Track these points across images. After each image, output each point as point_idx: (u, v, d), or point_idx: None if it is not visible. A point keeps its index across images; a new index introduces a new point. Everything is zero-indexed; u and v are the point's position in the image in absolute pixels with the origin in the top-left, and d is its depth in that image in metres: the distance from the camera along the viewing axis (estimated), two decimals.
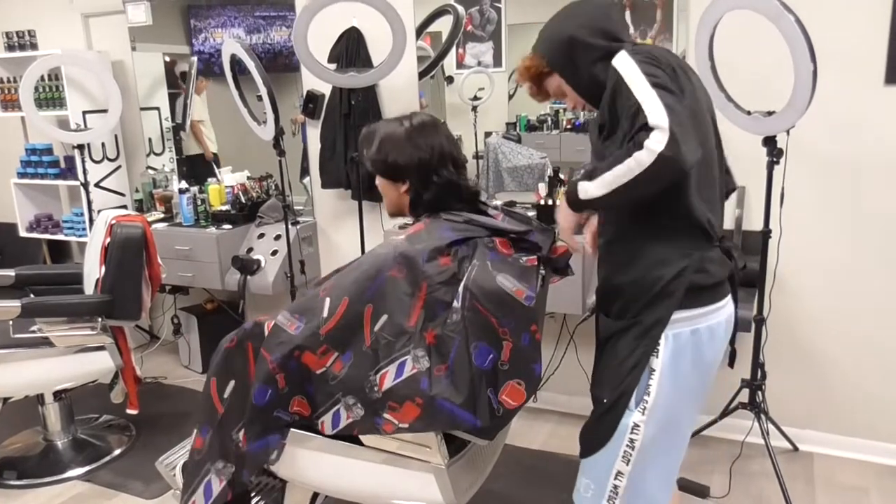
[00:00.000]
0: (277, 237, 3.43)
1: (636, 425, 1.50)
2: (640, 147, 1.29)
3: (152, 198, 3.92)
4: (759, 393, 2.47)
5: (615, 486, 1.54)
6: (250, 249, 3.45)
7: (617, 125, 1.42)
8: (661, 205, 1.44)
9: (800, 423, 2.75)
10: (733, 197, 2.67)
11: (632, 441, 1.50)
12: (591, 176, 1.40)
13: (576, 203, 1.45)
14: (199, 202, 3.61)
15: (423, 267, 1.57)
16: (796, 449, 2.74)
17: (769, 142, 2.29)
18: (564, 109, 3.10)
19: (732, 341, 1.62)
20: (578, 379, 2.98)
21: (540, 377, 1.56)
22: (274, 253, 3.40)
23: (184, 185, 3.64)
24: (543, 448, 2.87)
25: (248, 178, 3.78)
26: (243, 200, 3.62)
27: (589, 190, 1.40)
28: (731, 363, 1.69)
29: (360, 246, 3.20)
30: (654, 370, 1.49)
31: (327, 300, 1.63)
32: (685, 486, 2.53)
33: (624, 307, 1.55)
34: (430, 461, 1.62)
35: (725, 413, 2.57)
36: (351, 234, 3.41)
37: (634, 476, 1.52)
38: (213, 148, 4.03)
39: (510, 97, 3.21)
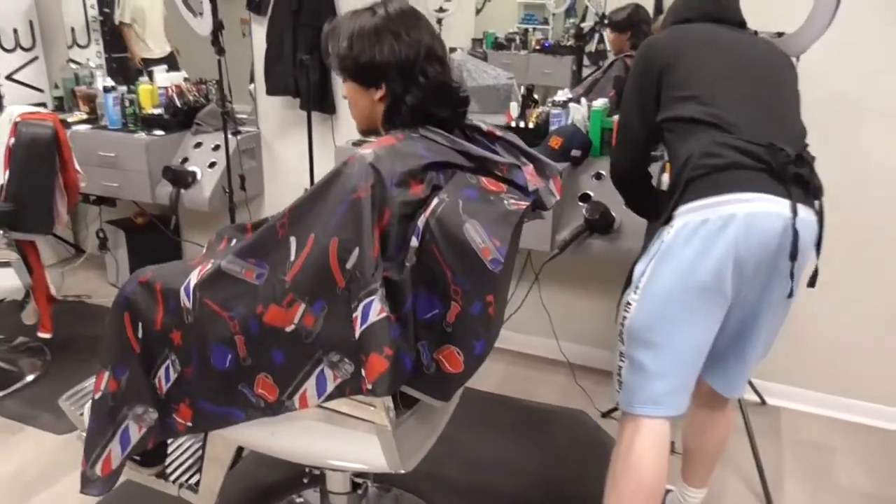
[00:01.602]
0: (216, 147, 3.09)
1: (628, 303, 1.52)
2: None
3: (74, 96, 3.48)
4: None
5: (619, 367, 1.57)
6: (185, 160, 3.11)
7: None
8: (665, 126, 1.58)
9: (767, 375, 2.61)
10: None
11: (624, 318, 1.53)
12: None
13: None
14: (127, 103, 3.21)
15: (390, 190, 1.27)
16: (764, 402, 2.62)
17: None
18: (534, 28, 2.89)
19: (794, 254, 1.41)
20: (540, 320, 2.79)
21: (481, 358, 1.31)
22: (212, 165, 3.07)
23: (109, 82, 3.22)
24: (496, 391, 2.69)
25: (186, 79, 3.37)
26: (178, 104, 3.24)
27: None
28: (812, 283, 1.51)
29: (309, 162, 2.87)
30: (655, 254, 1.48)
31: (292, 240, 1.32)
32: None
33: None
34: (373, 421, 1.38)
35: None
36: (298, 149, 3.07)
37: (631, 358, 1.53)
38: (155, 52, 3.56)
39: (478, 11, 2.91)
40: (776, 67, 1.61)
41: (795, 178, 1.41)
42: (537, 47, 2.89)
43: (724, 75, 1.55)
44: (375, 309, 1.23)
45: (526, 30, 2.91)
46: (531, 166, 1.47)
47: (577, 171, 2.50)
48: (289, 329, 1.32)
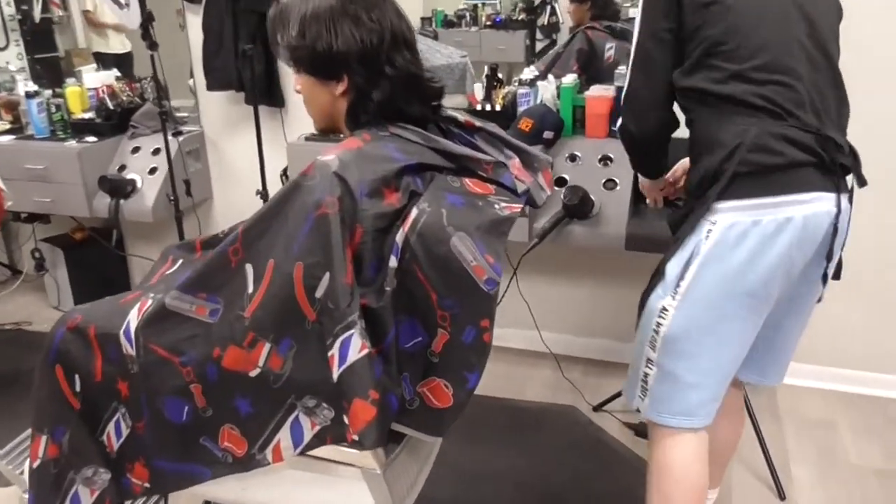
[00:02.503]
0: (156, 151, 2.83)
1: (664, 309, 1.34)
2: None
3: None
4: None
5: (645, 374, 1.41)
6: (123, 167, 2.85)
7: None
8: (694, 95, 1.35)
9: None
10: None
11: (658, 325, 1.35)
12: None
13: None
14: (53, 109, 2.93)
15: (360, 202, 1.08)
16: None
17: None
18: (483, 3, 2.78)
19: (830, 253, 1.32)
20: (518, 311, 2.63)
21: (472, 391, 1.14)
22: (153, 171, 2.82)
23: (32, 86, 2.92)
24: (480, 392, 2.46)
25: (118, 78, 3.08)
26: (111, 106, 2.97)
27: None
28: (837, 275, 1.39)
29: (259, 161, 2.65)
30: (695, 255, 1.30)
31: (248, 268, 1.13)
32: (645, 431, 2.25)
33: (688, 195, 1.41)
34: (359, 465, 1.20)
35: None
36: (247, 147, 2.83)
37: (663, 367, 1.37)
38: (114, 47, 3.25)
39: None
40: (830, 10, 1.38)
41: (841, 167, 1.28)
42: (488, 23, 2.79)
43: (778, 28, 1.29)
44: (355, 345, 1.05)
45: (475, 5, 2.79)
46: (517, 159, 1.30)
47: (551, 154, 2.33)
48: (253, 373, 1.13)
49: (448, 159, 1.21)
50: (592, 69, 2.57)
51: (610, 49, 2.61)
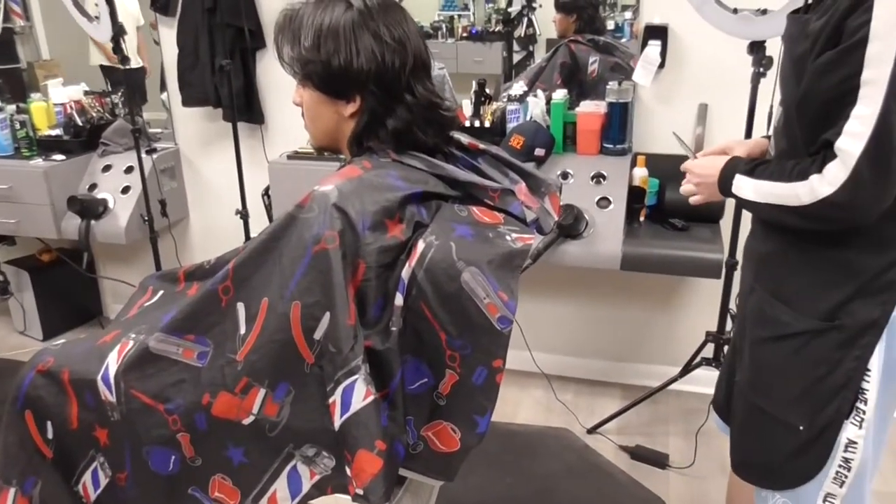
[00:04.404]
0: (129, 170, 2.72)
1: (852, 442, 1.13)
2: (805, 176, 1.01)
3: None
4: (727, 348, 2.14)
5: None
6: (93, 186, 2.73)
7: (832, 45, 0.98)
8: None
9: None
10: (694, 112, 2.29)
11: (846, 461, 1.15)
12: (752, 171, 1.12)
13: (726, 190, 1.16)
14: (18, 125, 2.80)
15: (363, 236, 1.00)
16: None
17: (757, 48, 1.86)
18: (459, 16, 2.72)
19: None
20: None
21: (483, 436, 1.07)
22: (125, 190, 2.70)
23: None
24: None
25: (86, 92, 2.96)
26: (80, 122, 2.85)
27: (743, 187, 1.13)
28: None
29: (238, 179, 2.55)
30: (869, 372, 1.10)
31: (240, 307, 1.04)
32: (642, 455, 2.21)
33: (811, 298, 1.13)
34: None
35: (687, 370, 2.23)
36: (225, 165, 2.73)
37: (851, 497, 1.18)
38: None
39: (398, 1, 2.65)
40: None
41: None
42: (465, 34, 2.72)
43: None
44: (359, 392, 0.97)
45: (452, 17, 2.73)
46: (523, 184, 1.23)
47: (542, 171, 2.27)
48: (247, 422, 1.04)
49: (453, 186, 1.14)
50: (576, 83, 2.54)
51: (594, 63, 2.57)
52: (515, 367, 2.66)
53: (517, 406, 2.52)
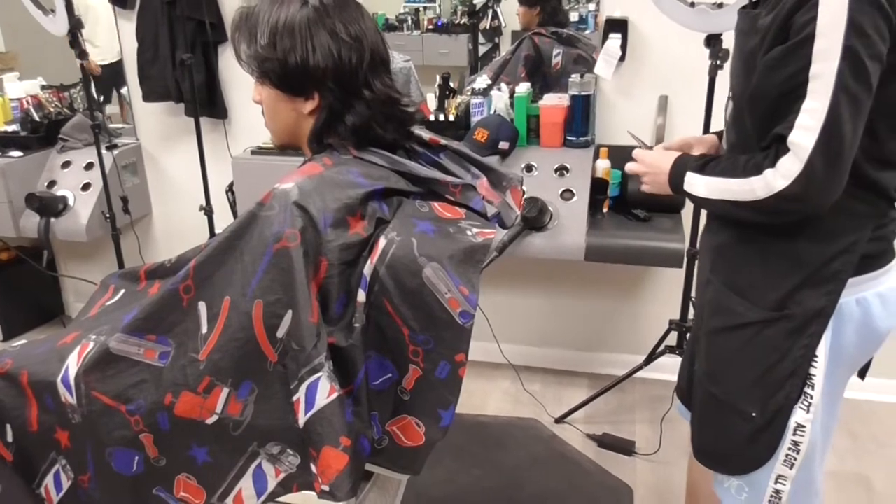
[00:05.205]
0: (89, 166, 2.68)
1: (800, 426, 1.17)
2: (760, 171, 1.03)
3: None
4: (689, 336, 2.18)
5: (777, 491, 1.23)
6: (52, 183, 2.68)
7: (780, 40, 1.01)
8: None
9: None
10: (655, 104, 2.32)
11: (795, 444, 1.18)
12: (703, 168, 1.13)
13: (676, 188, 1.17)
14: None
15: (324, 234, 1.01)
16: None
17: (713, 41, 1.90)
18: (425, 8, 2.74)
19: None
20: (477, 325, 2.55)
21: (447, 429, 1.08)
22: (86, 187, 2.66)
23: None
24: None
25: (43, 87, 2.90)
26: (37, 118, 2.80)
27: (694, 184, 1.14)
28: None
29: (202, 175, 2.52)
30: (816, 359, 1.14)
31: (201, 307, 1.04)
32: (609, 443, 2.24)
33: (763, 289, 1.16)
34: None
35: (651, 358, 2.27)
36: (188, 160, 2.70)
37: (801, 478, 1.21)
38: (106, 56, 2.82)
39: None
40: None
41: None
42: (430, 27, 2.73)
43: None
44: (324, 390, 0.98)
45: (417, 9, 2.74)
46: (484, 179, 1.24)
47: (506, 164, 2.30)
48: (210, 421, 1.04)
49: (414, 183, 1.15)
50: (540, 76, 2.56)
51: (557, 55, 2.59)
52: (483, 358, 2.69)
53: (485, 397, 2.55)
